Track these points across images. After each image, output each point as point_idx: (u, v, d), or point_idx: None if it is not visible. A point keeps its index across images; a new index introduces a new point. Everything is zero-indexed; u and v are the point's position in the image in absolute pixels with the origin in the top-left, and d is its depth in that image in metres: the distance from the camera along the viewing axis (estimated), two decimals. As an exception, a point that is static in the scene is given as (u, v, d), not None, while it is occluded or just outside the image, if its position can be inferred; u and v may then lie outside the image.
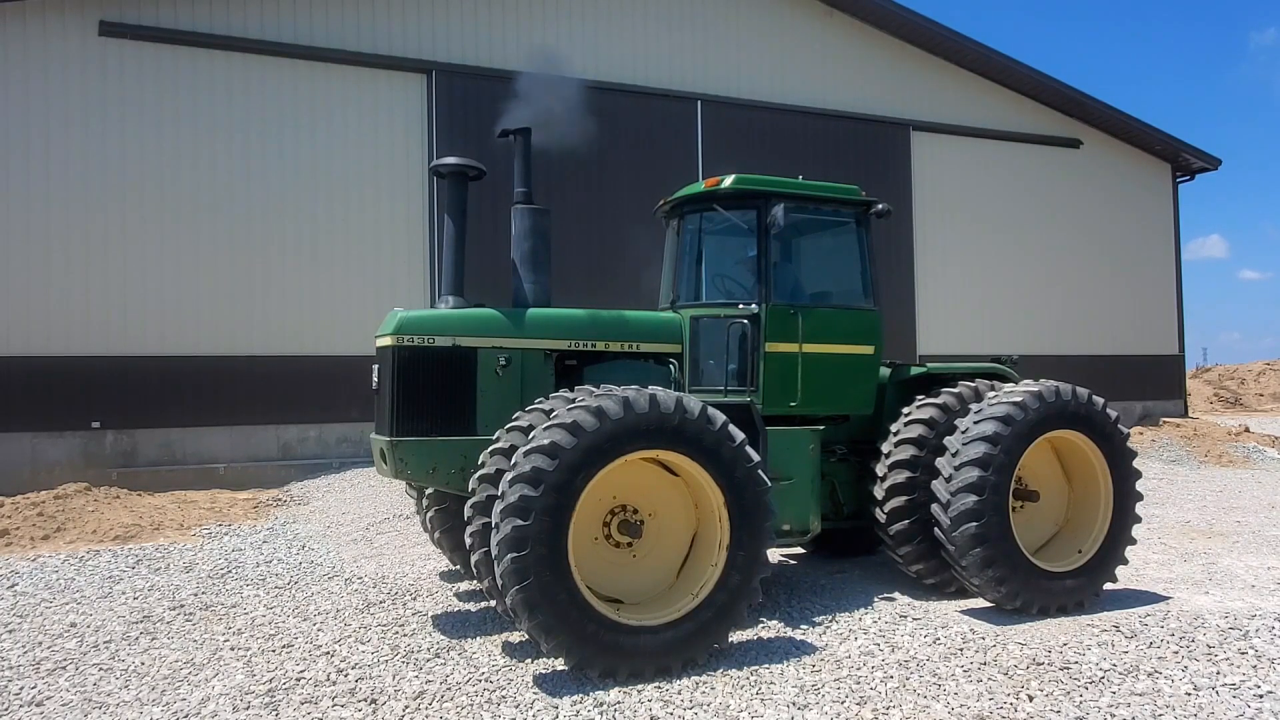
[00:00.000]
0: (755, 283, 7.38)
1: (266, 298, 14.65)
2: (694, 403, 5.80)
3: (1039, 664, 5.74)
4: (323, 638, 6.59)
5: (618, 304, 8.20)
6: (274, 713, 5.22)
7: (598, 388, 5.89)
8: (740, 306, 7.35)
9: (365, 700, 5.35)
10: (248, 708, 5.29)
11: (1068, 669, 5.65)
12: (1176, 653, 5.89)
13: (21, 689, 5.68)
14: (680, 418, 5.71)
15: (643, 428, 5.62)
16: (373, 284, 15.11)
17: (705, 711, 5.10)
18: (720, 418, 5.88)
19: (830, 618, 6.85)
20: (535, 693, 5.40)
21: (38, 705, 5.44)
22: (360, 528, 10.98)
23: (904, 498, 7.26)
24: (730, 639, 6.09)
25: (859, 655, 5.97)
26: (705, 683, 5.51)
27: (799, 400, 7.38)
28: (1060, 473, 7.66)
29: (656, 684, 5.48)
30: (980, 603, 7.12)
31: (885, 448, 7.47)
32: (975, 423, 6.95)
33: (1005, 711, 5.05)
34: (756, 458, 5.98)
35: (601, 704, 5.20)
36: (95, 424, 13.53)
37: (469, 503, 5.98)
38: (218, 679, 5.79)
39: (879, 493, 7.41)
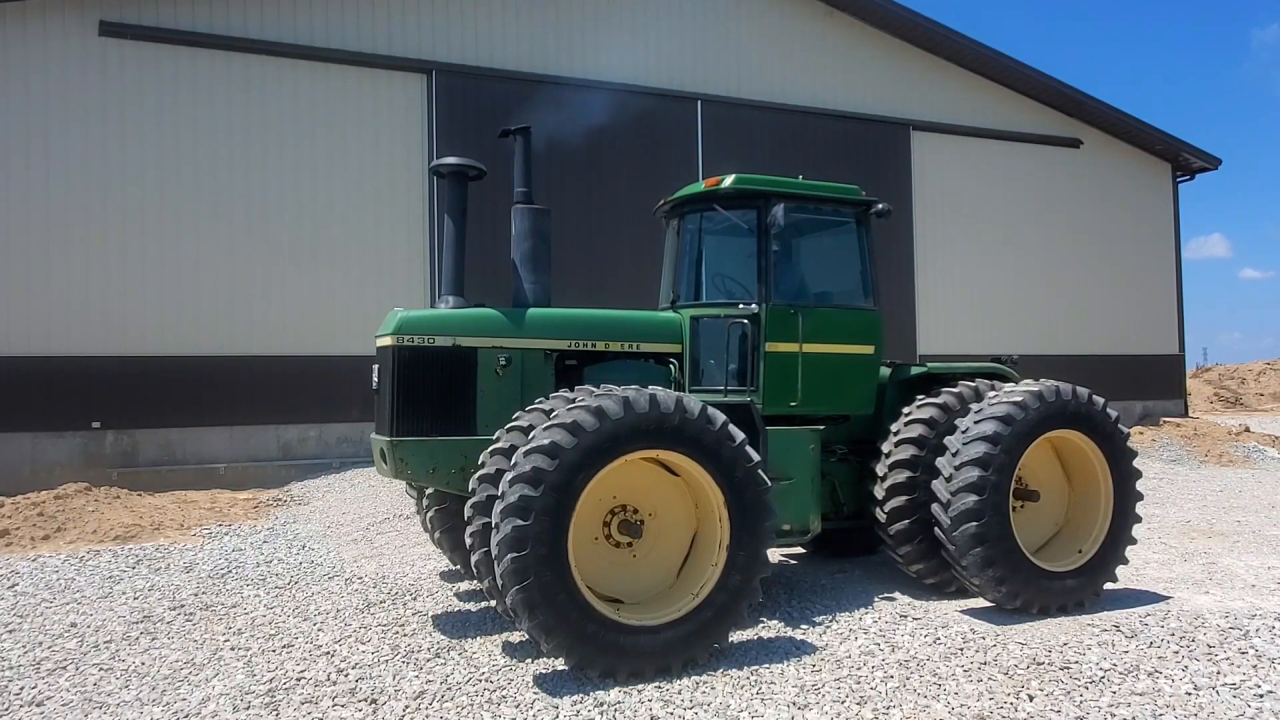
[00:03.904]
0: (755, 283, 7.37)
1: (267, 297, 14.65)
2: (694, 402, 5.80)
3: (1039, 664, 5.74)
4: (323, 638, 6.59)
5: (618, 304, 8.21)
6: (274, 713, 5.22)
7: (598, 388, 5.89)
8: (740, 306, 7.35)
9: (365, 700, 5.35)
10: (248, 708, 5.30)
11: (1068, 669, 5.65)
12: (1177, 652, 5.89)
13: (22, 689, 5.69)
14: (680, 417, 5.71)
15: (643, 428, 5.62)
16: (373, 284, 15.11)
17: (705, 711, 5.10)
18: (720, 417, 5.87)
19: (830, 617, 6.85)
20: (535, 693, 5.40)
21: (38, 705, 5.44)
22: (360, 528, 10.98)
23: (904, 497, 7.26)
24: (730, 639, 6.09)
25: (859, 655, 5.97)
26: (705, 682, 5.51)
27: (799, 400, 7.38)
28: (1060, 472, 7.66)
29: (656, 684, 5.48)
30: (980, 602, 7.12)
31: (885, 447, 7.47)
32: (975, 422, 6.95)
33: (1005, 711, 5.05)
34: (756, 457, 5.98)
35: (602, 704, 5.20)
36: (95, 424, 13.52)
37: (469, 503, 5.98)
38: (218, 679, 5.79)
39: (879, 492, 7.41)
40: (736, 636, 6.27)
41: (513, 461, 5.52)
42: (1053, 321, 21.02)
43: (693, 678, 5.57)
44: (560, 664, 5.68)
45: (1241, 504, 12.79)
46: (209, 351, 14.20)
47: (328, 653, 6.23)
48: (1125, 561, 7.42)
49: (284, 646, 6.40)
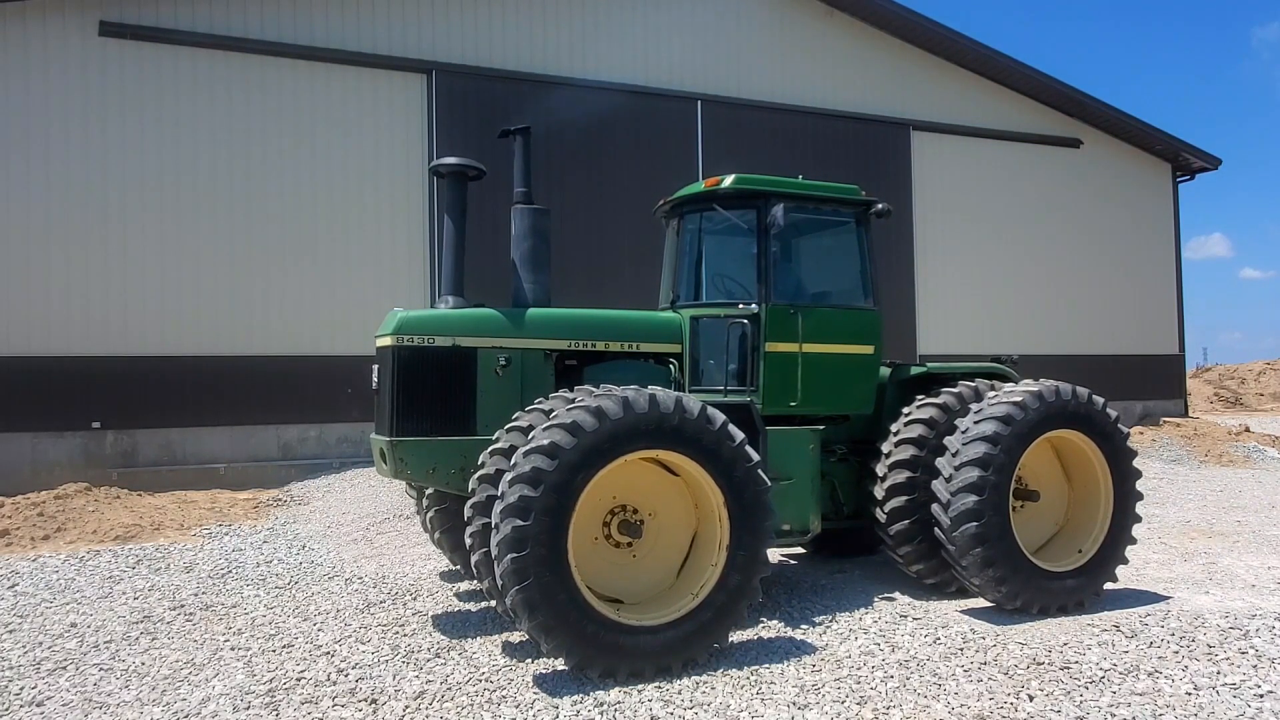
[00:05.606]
0: (755, 283, 7.38)
1: (266, 297, 14.65)
2: (693, 403, 5.80)
3: (1039, 664, 5.74)
4: (323, 638, 6.59)
5: (618, 304, 8.21)
6: (274, 713, 5.22)
7: (597, 388, 5.89)
8: (740, 306, 7.35)
9: (365, 700, 5.35)
10: (248, 708, 5.30)
11: (1068, 669, 5.65)
12: (1177, 652, 5.89)
13: (22, 689, 5.69)
14: (679, 418, 5.71)
15: (642, 428, 5.62)
16: (373, 284, 15.11)
17: (705, 711, 5.10)
18: (719, 417, 5.87)
19: (830, 618, 6.85)
20: (535, 693, 5.40)
21: (38, 705, 5.44)
22: (360, 528, 10.98)
23: (904, 498, 7.26)
24: (730, 639, 6.09)
25: (859, 655, 5.97)
26: (705, 682, 5.51)
27: (799, 400, 7.38)
28: (1060, 472, 7.65)
29: (657, 684, 5.48)
30: (980, 602, 7.12)
31: (885, 448, 7.47)
32: (975, 423, 6.95)
33: (1005, 711, 5.05)
34: (756, 457, 5.98)
35: (602, 704, 5.20)
36: (95, 424, 13.52)
37: (469, 503, 5.98)
38: (218, 679, 5.79)
39: (879, 493, 7.40)
40: (736, 636, 6.27)
41: (512, 462, 5.52)
42: (1053, 321, 21.01)
43: (693, 678, 5.57)
44: (560, 664, 5.68)
45: (1241, 504, 12.79)
46: (209, 351, 14.20)
47: (328, 653, 6.23)
48: (1125, 561, 7.42)
49: (284, 646, 6.40)
